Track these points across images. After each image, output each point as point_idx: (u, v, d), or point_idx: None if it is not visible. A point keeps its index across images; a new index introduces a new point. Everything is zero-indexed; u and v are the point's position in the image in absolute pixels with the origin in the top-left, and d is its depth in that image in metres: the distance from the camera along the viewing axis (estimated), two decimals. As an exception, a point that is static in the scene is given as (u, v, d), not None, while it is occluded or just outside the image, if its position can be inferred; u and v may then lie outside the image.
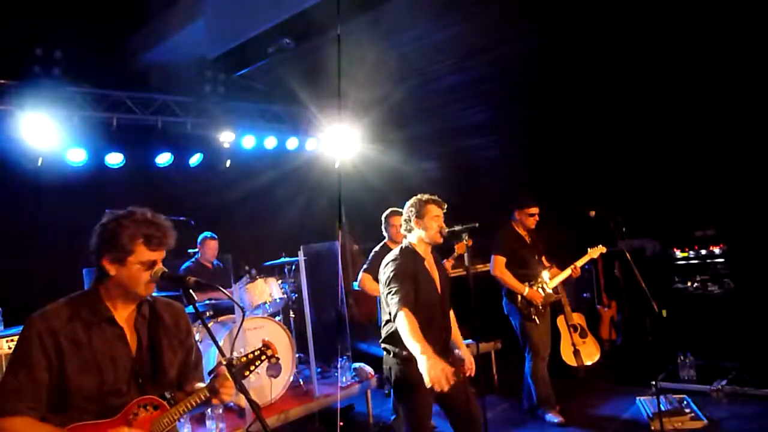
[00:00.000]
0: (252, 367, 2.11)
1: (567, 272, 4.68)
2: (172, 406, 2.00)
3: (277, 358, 2.17)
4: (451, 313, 3.42)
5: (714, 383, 4.86)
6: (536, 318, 4.61)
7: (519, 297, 4.64)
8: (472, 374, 3.21)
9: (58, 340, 1.87)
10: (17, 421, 1.81)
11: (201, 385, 2.09)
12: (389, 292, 3.06)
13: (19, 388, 1.83)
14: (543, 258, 4.81)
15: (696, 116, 5.16)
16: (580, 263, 4.68)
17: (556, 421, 4.61)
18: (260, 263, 5.79)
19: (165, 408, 1.99)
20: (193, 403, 2.01)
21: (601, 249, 4.70)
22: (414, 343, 2.82)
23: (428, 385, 2.69)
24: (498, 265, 4.67)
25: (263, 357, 2.14)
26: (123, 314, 2.02)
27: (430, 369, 2.69)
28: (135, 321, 2.04)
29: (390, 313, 3.05)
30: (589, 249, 4.71)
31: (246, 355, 2.11)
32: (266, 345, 2.15)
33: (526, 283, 4.64)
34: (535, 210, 4.70)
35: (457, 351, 3.30)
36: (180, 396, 2.08)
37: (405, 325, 2.89)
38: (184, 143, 6.02)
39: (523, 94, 5.87)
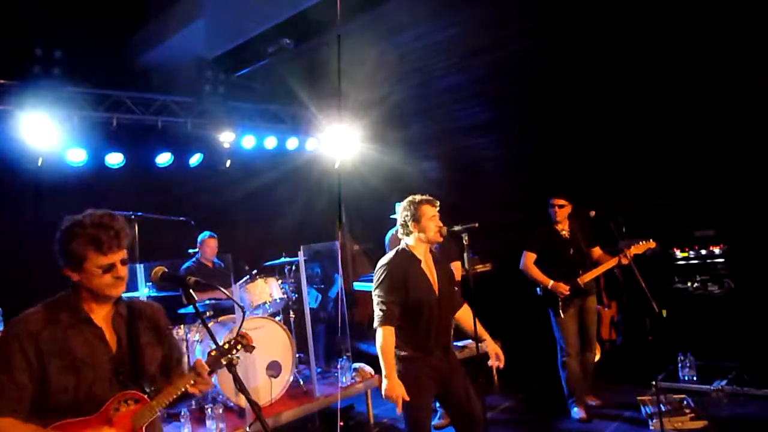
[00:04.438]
0: (229, 356, 2.14)
1: (608, 265, 4.62)
2: (152, 400, 2.03)
3: (253, 347, 2.20)
4: (466, 308, 3.41)
5: (714, 383, 4.87)
6: (561, 312, 4.62)
7: (545, 289, 4.66)
8: (501, 366, 3.22)
9: (38, 342, 1.89)
10: (2, 421, 1.83)
11: (179, 380, 2.11)
12: (375, 300, 3.16)
13: (1, 391, 1.84)
14: (582, 255, 4.72)
15: (696, 116, 5.15)
16: (632, 253, 4.45)
17: (578, 417, 4.66)
18: (260, 263, 5.79)
19: (145, 401, 2.02)
20: (173, 395, 2.04)
21: (650, 244, 4.54)
22: (383, 362, 3.04)
23: (384, 397, 3.00)
24: (524, 261, 4.74)
25: (239, 346, 2.17)
26: (100, 314, 2.04)
27: (388, 390, 2.99)
28: (113, 320, 2.06)
29: (374, 320, 3.13)
30: (642, 242, 4.51)
31: (219, 347, 2.14)
32: (242, 335, 2.19)
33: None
34: (558, 201, 4.69)
35: (485, 347, 3.30)
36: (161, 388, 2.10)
37: (380, 342, 3.07)
38: (184, 143, 6.02)
39: (523, 94, 5.87)
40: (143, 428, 2.00)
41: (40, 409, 1.89)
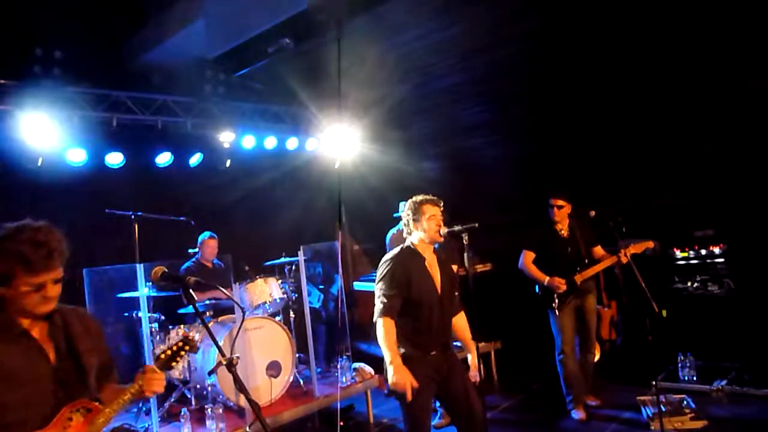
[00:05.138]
0: (178, 358, 2.17)
1: (605, 264, 4.66)
2: (104, 406, 1.99)
3: (198, 348, 2.23)
4: (462, 315, 3.44)
5: (714, 383, 4.87)
6: (557, 309, 4.66)
7: (542, 287, 4.72)
8: (477, 382, 3.25)
9: None
10: None
11: (120, 386, 2.11)
12: (377, 293, 3.16)
13: None
14: (582, 254, 4.76)
15: (696, 116, 5.15)
16: (630, 252, 4.48)
17: (577, 417, 4.69)
18: (260, 263, 5.79)
19: (98, 409, 1.97)
20: (126, 399, 2.01)
21: (648, 244, 4.60)
22: (386, 351, 3.02)
23: (391, 387, 2.94)
24: (522, 259, 4.80)
25: (186, 347, 2.19)
26: (35, 326, 1.97)
27: (395, 376, 2.92)
28: (49, 331, 1.99)
29: (374, 314, 3.13)
30: (641, 241, 4.56)
31: (165, 351, 2.16)
32: (186, 337, 2.21)
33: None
34: (557, 202, 4.71)
35: (468, 356, 3.34)
36: (104, 397, 2.08)
37: (381, 333, 3.06)
38: (184, 143, 6.02)
39: (523, 94, 5.87)
40: None
41: None
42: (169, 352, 2.15)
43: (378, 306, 3.12)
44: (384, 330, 3.05)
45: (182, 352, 2.17)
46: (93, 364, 2.08)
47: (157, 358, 2.13)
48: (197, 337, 5.00)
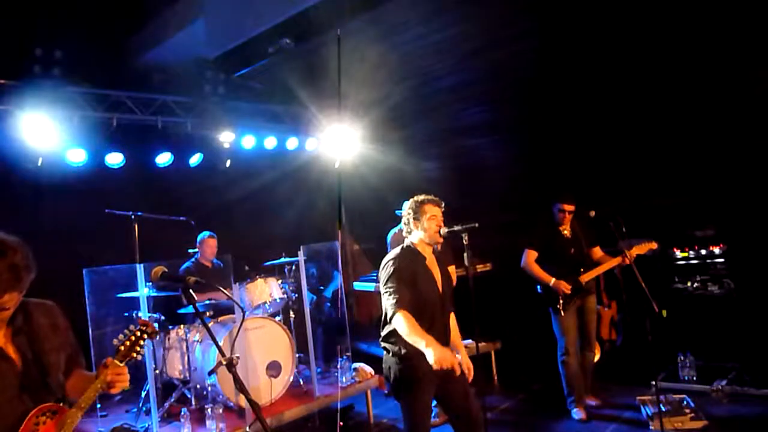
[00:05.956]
0: (138, 348, 2.11)
1: (610, 264, 4.66)
2: (71, 407, 1.96)
3: (157, 333, 2.15)
4: (452, 315, 3.43)
5: (714, 383, 4.87)
6: (562, 310, 4.65)
7: (546, 288, 4.70)
8: (470, 380, 3.24)
9: None
10: None
11: (88, 373, 2.07)
12: (386, 292, 3.10)
13: None
14: (583, 254, 4.78)
15: (695, 116, 5.16)
16: (634, 253, 4.52)
17: (578, 417, 4.69)
18: (260, 263, 5.79)
19: (64, 410, 1.95)
20: (93, 395, 1.97)
21: (651, 245, 4.63)
22: (418, 339, 2.88)
23: (436, 367, 2.75)
24: (525, 258, 4.77)
25: (144, 336, 2.14)
26: None
27: (436, 355, 2.74)
28: (12, 335, 1.95)
29: (387, 314, 3.08)
30: (644, 242, 4.60)
31: (124, 343, 2.10)
32: (144, 323, 2.16)
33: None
34: (566, 207, 4.72)
35: (457, 355, 3.33)
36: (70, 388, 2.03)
37: (404, 325, 2.95)
38: (184, 143, 6.02)
39: (523, 94, 5.87)
40: None
41: None
42: (128, 343, 2.08)
43: (390, 302, 3.04)
44: (405, 321, 2.94)
45: (141, 341, 2.11)
46: (60, 361, 2.04)
47: (117, 350, 2.05)
48: (198, 331, 4.99)
